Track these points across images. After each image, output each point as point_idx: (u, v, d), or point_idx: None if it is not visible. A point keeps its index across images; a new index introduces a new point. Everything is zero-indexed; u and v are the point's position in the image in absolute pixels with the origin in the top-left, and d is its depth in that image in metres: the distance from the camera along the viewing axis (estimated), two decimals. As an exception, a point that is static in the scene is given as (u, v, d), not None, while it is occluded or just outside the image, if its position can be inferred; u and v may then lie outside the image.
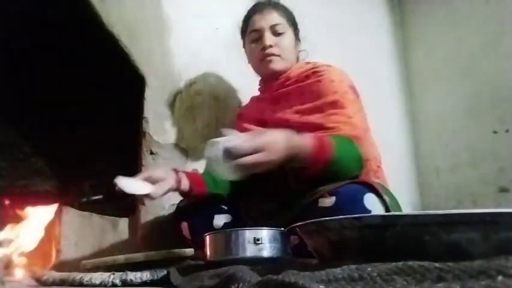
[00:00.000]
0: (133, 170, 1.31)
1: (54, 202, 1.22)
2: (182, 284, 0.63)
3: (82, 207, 1.28)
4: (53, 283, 0.79)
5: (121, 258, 0.87)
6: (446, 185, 2.12)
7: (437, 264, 0.39)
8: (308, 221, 0.59)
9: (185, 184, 1.00)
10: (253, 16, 1.20)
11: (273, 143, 0.80)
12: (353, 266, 0.44)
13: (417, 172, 2.27)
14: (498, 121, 1.94)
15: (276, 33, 1.17)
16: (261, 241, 0.74)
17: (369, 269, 0.42)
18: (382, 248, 0.49)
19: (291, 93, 1.14)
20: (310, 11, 1.93)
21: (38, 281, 0.83)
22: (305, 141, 0.87)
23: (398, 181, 2.07)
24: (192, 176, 1.05)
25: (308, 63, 1.21)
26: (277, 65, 1.17)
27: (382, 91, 2.22)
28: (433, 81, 2.25)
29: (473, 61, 2.06)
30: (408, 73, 2.37)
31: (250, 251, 0.74)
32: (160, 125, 1.32)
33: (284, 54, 1.17)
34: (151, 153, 1.29)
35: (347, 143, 0.96)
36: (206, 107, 1.42)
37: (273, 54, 1.16)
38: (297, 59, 1.24)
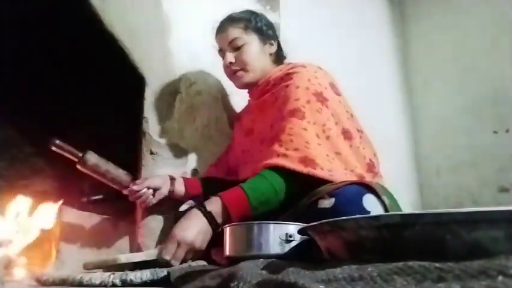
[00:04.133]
0: (133, 170, 1.31)
1: (55, 202, 1.22)
2: (183, 284, 0.63)
3: (82, 207, 1.28)
4: (53, 283, 0.79)
5: (122, 257, 0.87)
6: (446, 185, 2.12)
7: (437, 264, 0.39)
8: (323, 221, 0.57)
9: (180, 191, 1.15)
10: (216, 37, 1.24)
11: (184, 237, 0.89)
12: (353, 266, 0.44)
13: (417, 172, 2.27)
14: (498, 121, 1.94)
15: (235, 48, 1.18)
16: (293, 238, 0.72)
17: (369, 269, 0.42)
18: (400, 248, 0.47)
19: (268, 100, 1.16)
20: (310, 11, 1.93)
21: (38, 281, 0.83)
22: (217, 209, 0.93)
23: (399, 181, 2.08)
24: (188, 181, 1.18)
25: (289, 64, 1.21)
26: (244, 78, 1.19)
27: (382, 91, 2.22)
28: (433, 81, 2.26)
29: (473, 61, 2.06)
30: (408, 73, 2.37)
31: (282, 248, 0.72)
32: (160, 125, 1.32)
33: (248, 66, 1.18)
34: (151, 153, 1.28)
35: (265, 182, 0.96)
36: (206, 107, 1.42)
37: (236, 70, 1.19)
38: (279, 59, 1.25)
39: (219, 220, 0.93)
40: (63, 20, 1.22)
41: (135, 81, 1.29)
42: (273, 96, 1.15)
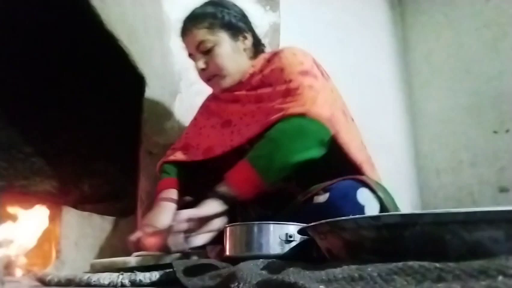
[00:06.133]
0: (132, 170, 1.31)
1: (55, 202, 1.22)
2: (187, 283, 0.62)
3: (82, 207, 1.28)
4: (58, 283, 0.78)
5: (132, 260, 0.85)
6: (446, 185, 2.12)
7: (437, 264, 0.39)
8: (322, 221, 0.57)
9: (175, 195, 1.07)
10: (183, 40, 1.10)
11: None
12: (353, 266, 0.44)
13: (417, 172, 2.27)
14: (498, 121, 1.94)
15: (205, 51, 1.04)
16: (293, 238, 0.72)
17: (369, 269, 0.42)
18: (401, 248, 0.48)
19: (257, 86, 1.05)
20: (310, 11, 1.93)
21: (42, 281, 0.81)
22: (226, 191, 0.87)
23: (398, 181, 2.08)
24: (165, 184, 1.10)
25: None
26: (220, 85, 1.07)
27: (382, 91, 2.22)
28: (433, 81, 2.26)
29: (473, 61, 2.06)
30: (408, 73, 2.37)
31: (282, 248, 0.72)
32: (160, 125, 1.32)
33: (223, 70, 1.05)
34: (151, 153, 1.28)
35: (274, 137, 0.88)
36: (206, 107, 1.42)
37: (211, 77, 1.07)
38: (257, 52, 1.12)
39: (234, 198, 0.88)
40: (63, 20, 1.22)
41: (135, 81, 1.29)
42: (261, 75, 1.04)
